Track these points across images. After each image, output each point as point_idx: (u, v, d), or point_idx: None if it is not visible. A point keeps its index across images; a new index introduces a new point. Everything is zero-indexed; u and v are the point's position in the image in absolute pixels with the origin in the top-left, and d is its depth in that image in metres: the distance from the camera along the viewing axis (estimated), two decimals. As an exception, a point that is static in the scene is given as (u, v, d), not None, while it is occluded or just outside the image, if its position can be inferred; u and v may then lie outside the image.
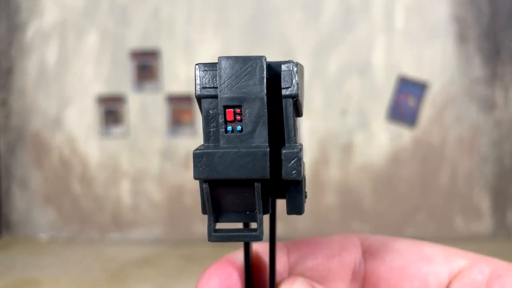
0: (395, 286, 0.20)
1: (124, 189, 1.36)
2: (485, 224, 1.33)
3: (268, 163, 0.15)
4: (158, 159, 1.36)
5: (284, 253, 0.21)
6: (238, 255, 0.20)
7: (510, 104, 1.32)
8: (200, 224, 1.35)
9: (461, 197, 1.32)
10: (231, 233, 0.17)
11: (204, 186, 0.16)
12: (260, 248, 0.21)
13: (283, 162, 0.16)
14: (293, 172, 0.16)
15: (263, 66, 0.16)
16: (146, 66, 1.35)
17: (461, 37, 1.31)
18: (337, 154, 1.33)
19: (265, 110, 0.16)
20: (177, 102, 1.35)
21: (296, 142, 0.17)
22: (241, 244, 0.19)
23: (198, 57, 1.34)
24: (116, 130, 1.37)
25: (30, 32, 1.36)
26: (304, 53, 1.32)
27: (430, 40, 1.31)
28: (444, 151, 1.32)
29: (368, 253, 0.21)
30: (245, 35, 1.33)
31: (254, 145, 0.16)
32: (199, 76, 0.17)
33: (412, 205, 1.33)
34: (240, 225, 0.18)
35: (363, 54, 1.32)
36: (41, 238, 1.38)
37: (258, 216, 0.17)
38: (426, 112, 1.32)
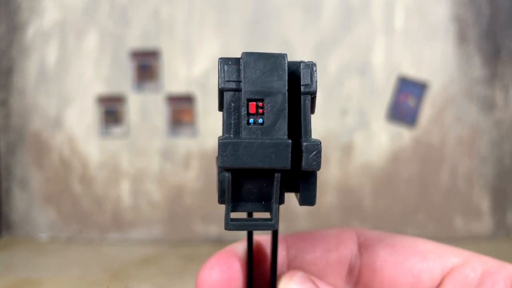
0: (388, 280, 0.21)
1: (124, 189, 1.36)
2: (485, 224, 1.33)
3: (290, 154, 0.16)
4: (158, 159, 1.36)
5: (284, 247, 0.21)
6: (239, 247, 0.20)
7: (510, 104, 1.32)
8: (200, 224, 1.35)
9: (461, 197, 1.32)
10: (247, 222, 0.18)
11: (226, 175, 0.17)
12: (261, 240, 0.21)
13: (304, 153, 0.17)
14: (313, 163, 0.17)
15: (285, 63, 0.17)
16: (146, 66, 1.35)
17: (461, 37, 1.31)
18: (337, 154, 1.33)
19: (286, 105, 0.17)
20: (177, 102, 1.35)
21: (311, 137, 0.17)
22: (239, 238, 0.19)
23: (199, 57, 1.34)
24: (116, 130, 1.37)
25: (30, 32, 1.37)
26: (304, 53, 1.32)
27: (430, 40, 1.31)
28: (444, 151, 1.32)
29: (363, 247, 0.21)
30: (245, 35, 1.33)
31: (275, 137, 0.17)
32: (223, 69, 0.18)
33: (412, 205, 1.33)
34: (245, 215, 0.18)
35: (363, 54, 1.32)
36: (41, 238, 1.38)
37: (274, 205, 0.17)
38: (426, 112, 1.32)
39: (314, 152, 0.17)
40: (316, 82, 0.17)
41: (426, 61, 1.32)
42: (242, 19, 1.34)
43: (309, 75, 0.17)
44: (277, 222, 0.17)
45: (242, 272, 0.19)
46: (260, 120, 0.17)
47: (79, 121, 1.37)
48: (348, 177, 1.33)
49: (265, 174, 0.17)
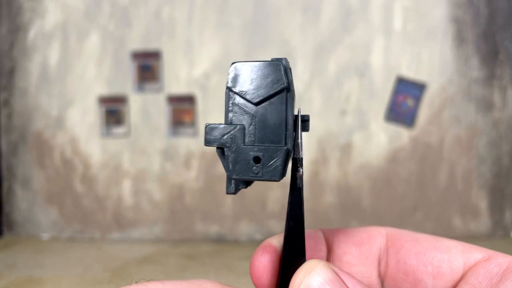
0: (411, 269, 0.22)
1: (125, 189, 1.37)
2: (483, 223, 1.33)
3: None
4: (159, 159, 1.37)
5: (322, 237, 0.23)
6: (275, 239, 0.22)
7: (508, 105, 1.33)
8: (201, 223, 1.36)
9: (459, 196, 1.33)
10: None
11: (217, 150, 0.21)
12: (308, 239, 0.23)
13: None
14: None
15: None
16: (147, 66, 1.36)
17: (459, 38, 1.32)
18: (336, 154, 1.34)
19: (225, 101, 0.22)
20: (178, 103, 1.36)
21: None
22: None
23: (199, 58, 1.35)
24: (118, 130, 1.38)
25: (32, 33, 1.37)
26: (304, 54, 1.33)
27: (429, 41, 1.32)
28: (442, 151, 1.33)
29: (390, 241, 0.24)
30: (245, 36, 1.34)
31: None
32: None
33: (411, 205, 1.34)
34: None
35: (362, 55, 1.33)
36: (43, 238, 1.39)
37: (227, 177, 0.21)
38: (425, 113, 1.33)
39: (205, 134, 0.21)
40: (231, 80, 0.21)
41: (424, 62, 1.33)
42: (242, 21, 1.35)
43: (228, 75, 0.22)
44: (228, 188, 0.21)
45: (277, 258, 0.22)
46: None
47: (81, 121, 1.38)
48: (347, 176, 1.34)
49: None
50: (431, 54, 1.32)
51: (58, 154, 1.38)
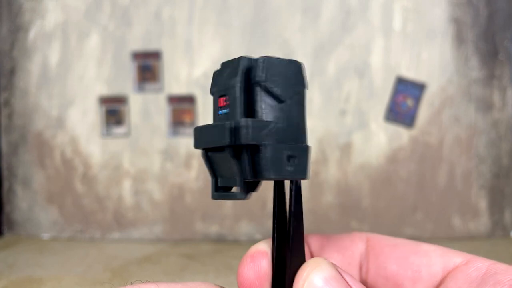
0: (391, 274, 0.22)
1: (126, 189, 1.37)
2: (483, 223, 1.34)
3: (228, 132, 0.19)
4: (159, 159, 1.37)
5: (305, 243, 0.23)
6: (264, 244, 0.22)
7: (507, 105, 1.33)
8: (201, 223, 1.36)
9: (459, 196, 1.34)
10: (223, 193, 0.21)
11: (201, 153, 0.21)
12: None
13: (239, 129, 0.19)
14: (242, 138, 0.19)
15: (239, 64, 0.20)
16: (147, 67, 1.36)
17: (459, 38, 1.32)
18: (336, 154, 1.34)
19: (238, 95, 0.20)
20: (178, 103, 1.36)
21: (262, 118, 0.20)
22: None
23: (199, 58, 1.35)
24: (118, 130, 1.38)
25: (33, 33, 1.38)
26: (304, 54, 1.33)
27: (428, 41, 1.32)
28: (442, 151, 1.33)
29: (371, 246, 0.24)
30: (245, 36, 1.35)
31: (233, 121, 0.20)
32: (212, 79, 0.22)
33: (410, 205, 1.34)
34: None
35: (362, 55, 1.33)
36: (43, 237, 1.39)
37: (238, 179, 0.20)
38: (424, 113, 1.33)
39: (244, 130, 0.19)
40: (264, 74, 0.20)
41: (424, 62, 1.33)
42: (242, 21, 1.35)
43: (259, 69, 0.20)
44: (242, 193, 0.20)
45: (270, 263, 0.22)
46: (225, 111, 0.21)
47: (81, 121, 1.38)
48: (347, 177, 1.34)
49: (222, 151, 0.20)
50: (431, 54, 1.32)
51: (59, 154, 1.39)
